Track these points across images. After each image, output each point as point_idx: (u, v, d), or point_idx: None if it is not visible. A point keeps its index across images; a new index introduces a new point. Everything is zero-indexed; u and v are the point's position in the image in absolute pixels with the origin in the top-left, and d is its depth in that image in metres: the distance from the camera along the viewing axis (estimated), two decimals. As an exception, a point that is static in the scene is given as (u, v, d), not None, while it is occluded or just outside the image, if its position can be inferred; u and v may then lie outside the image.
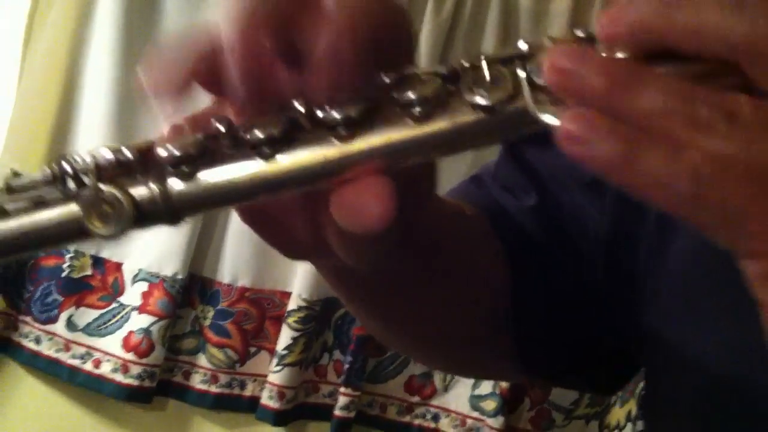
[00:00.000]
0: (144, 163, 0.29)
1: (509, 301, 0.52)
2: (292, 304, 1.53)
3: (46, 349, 1.48)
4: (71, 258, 1.46)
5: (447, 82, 0.28)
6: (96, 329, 1.49)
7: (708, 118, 0.24)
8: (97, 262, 1.49)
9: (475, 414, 1.62)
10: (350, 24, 0.28)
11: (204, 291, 1.56)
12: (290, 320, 1.52)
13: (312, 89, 0.29)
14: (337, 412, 1.56)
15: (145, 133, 1.45)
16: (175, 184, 0.29)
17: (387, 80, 0.29)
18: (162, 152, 0.29)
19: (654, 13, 0.25)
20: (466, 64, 0.28)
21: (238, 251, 1.51)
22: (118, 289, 1.49)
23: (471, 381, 1.61)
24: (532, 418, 1.66)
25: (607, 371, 0.58)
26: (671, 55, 0.25)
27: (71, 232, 0.30)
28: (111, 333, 1.49)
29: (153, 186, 0.29)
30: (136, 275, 1.48)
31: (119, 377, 1.47)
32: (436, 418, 1.65)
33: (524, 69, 0.27)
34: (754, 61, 0.24)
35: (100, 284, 1.49)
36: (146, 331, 1.46)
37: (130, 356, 1.47)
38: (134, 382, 1.47)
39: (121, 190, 0.29)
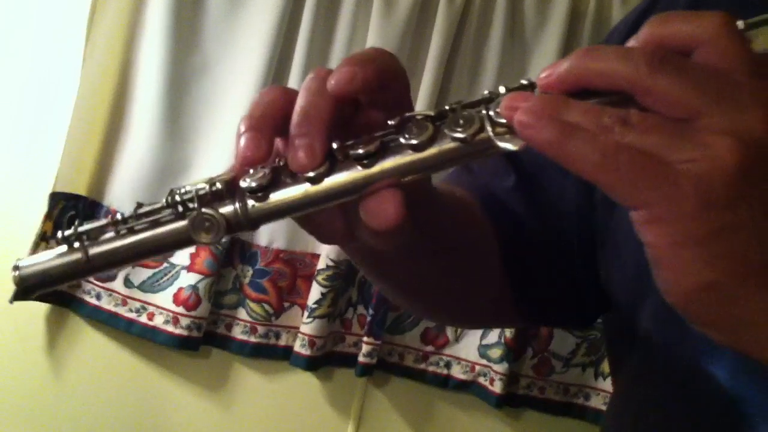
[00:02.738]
0: (230, 190, 0.39)
1: (502, 263, 0.62)
2: (321, 264, 1.67)
3: (106, 303, 1.63)
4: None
5: (435, 120, 0.38)
6: (150, 286, 1.64)
7: (610, 122, 0.33)
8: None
9: (483, 361, 1.76)
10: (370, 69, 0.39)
11: (244, 252, 1.70)
12: (319, 278, 1.67)
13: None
14: (361, 359, 1.71)
15: (189, 130, 1.61)
16: (252, 203, 0.39)
17: (393, 122, 0.39)
18: (243, 183, 0.39)
19: (575, 65, 0.35)
20: (448, 107, 0.38)
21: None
22: (169, 251, 1.64)
23: (479, 332, 1.76)
24: (535, 365, 1.81)
25: (582, 310, 0.67)
26: (595, 92, 0.35)
27: (181, 241, 0.39)
28: (163, 289, 1.64)
29: (238, 206, 0.39)
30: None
31: (170, 328, 1.62)
32: (448, 365, 1.79)
33: (487, 110, 0.36)
34: (636, 92, 0.33)
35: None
36: (194, 288, 1.61)
37: (180, 310, 1.61)
38: (183, 333, 1.61)
39: (216, 211, 0.39)
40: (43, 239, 1.55)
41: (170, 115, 1.62)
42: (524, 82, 0.37)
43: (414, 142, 0.37)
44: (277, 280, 1.70)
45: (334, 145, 0.39)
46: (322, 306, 1.67)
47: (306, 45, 1.65)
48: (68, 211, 1.58)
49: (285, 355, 1.71)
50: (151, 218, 0.40)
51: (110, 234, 0.40)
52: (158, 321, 1.63)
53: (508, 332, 1.72)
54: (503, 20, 1.74)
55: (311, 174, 0.38)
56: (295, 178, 0.38)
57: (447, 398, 1.83)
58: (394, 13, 1.68)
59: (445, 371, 1.79)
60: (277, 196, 0.39)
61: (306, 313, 1.68)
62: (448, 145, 0.37)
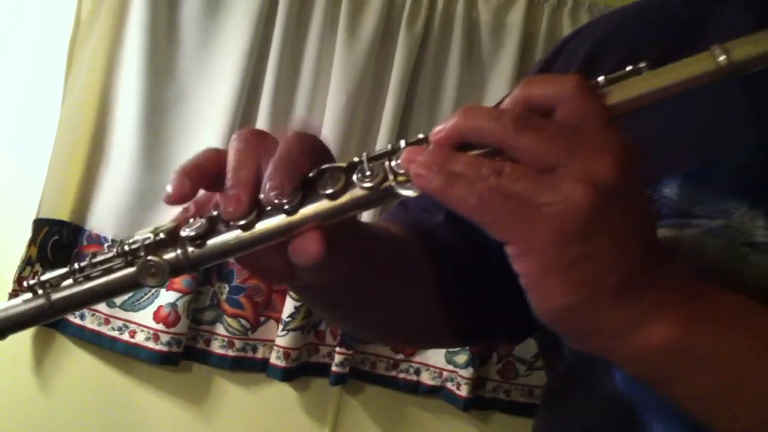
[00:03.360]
0: (172, 238, 0.43)
1: (436, 291, 0.66)
2: (294, 280, 1.75)
3: (90, 323, 1.71)
4: (109, 247, 1.67)
5: (347, 171, 0.42)
6: (131, 305, 1.72)
7: (486, 173, 0.38)
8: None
9: (450, 367, 1.83)
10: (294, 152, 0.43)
11: (221, 270, 1.77)
12: (293, 292, 1.74)
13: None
14: (334, 369, 1.78)
15: (166, 157, 1.69)
16: (192, 250, 0.43)
17: (311, 175, 0.43)
18: (183, 233, 0.43)
19: (457, 124, 0.40)
20: (357, 159, 0.43)
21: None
22: (149, 271, 1.71)
23: (446, 339, 1.83)
24: (500, 369, 1.88)
25: (513, 329, 0.72)
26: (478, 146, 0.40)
27: (131, 285, 0.44)
28: (144, 308, 1.72)
29: (179, 253, 0.43)
30: (163, 259, 1.70)
31: (152, 344, 1.70)
32: (417, 371, 1.86)
33: (390, 162, 0.42)
34: (505, 149, 0.39)
35: (132, 267, 1.71)
36: (173, 305, 1.69)
37: (160, 327, 1.69)
38: (164, 349, 1.69)
39: (161, 258, 0.43)
40: (29, 264, 1.62)
41: (148, 143, 1.70)
42: (420, 136, 0.43)
43: (329, 191, 0.42)
44: (253, 295, 1.77)
45: (264, 199, 0.43)
46: (296, 319, 1.74)
47: (274, 74, 1.74)
48: (52, 236, 1.65)
49: (262, 367, 1.78)
50: (104, 266, 0.44)
51: (69, 281, 0.44)
52: (140, 338, 1.71)
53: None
54: (461, 45, 1.83)
55: (242, 222, 0.43)
56: (228, 226, 0.43)
57: (418, 403, 1.90)
58: (357, 43, 1.77)
59: (415, 378, 1.86)
60: (213, 242, 0.43)
61: (281, 326, 1.75)
62: (358, 192, 0.42)
